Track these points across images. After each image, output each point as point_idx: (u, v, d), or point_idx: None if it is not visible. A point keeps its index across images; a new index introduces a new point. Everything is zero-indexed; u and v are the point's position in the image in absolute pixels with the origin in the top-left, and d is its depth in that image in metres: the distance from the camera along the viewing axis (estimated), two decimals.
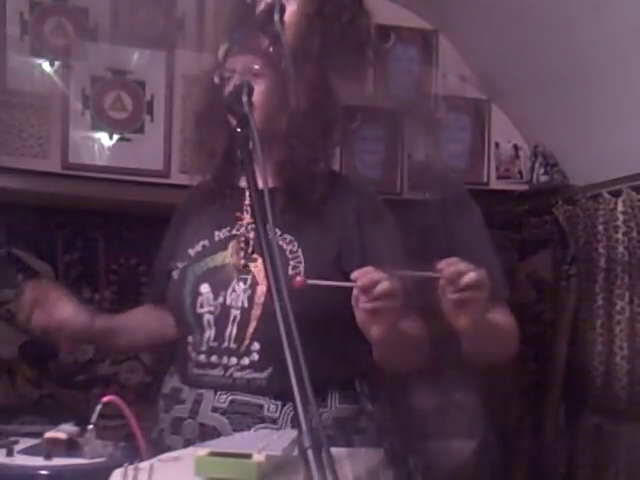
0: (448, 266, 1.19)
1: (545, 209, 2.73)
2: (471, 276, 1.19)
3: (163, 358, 2.72)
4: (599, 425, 2.44)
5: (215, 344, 1.39)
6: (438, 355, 1.40)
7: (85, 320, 1.48)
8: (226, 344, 1.38)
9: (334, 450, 0.83)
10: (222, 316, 1.39)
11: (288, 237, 1.41)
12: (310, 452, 0.80)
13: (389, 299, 1.18)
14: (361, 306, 1.18)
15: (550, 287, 2.77)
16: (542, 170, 2.70)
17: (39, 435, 1.11)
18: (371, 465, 1.15)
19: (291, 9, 1.44)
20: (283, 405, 1.35)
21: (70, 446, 1.08)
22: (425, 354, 1.39)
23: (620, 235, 2.36)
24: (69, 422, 1.13)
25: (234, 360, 1.37)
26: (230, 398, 1.36)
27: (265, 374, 1.35)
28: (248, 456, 0.94)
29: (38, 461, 1.04)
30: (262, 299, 1.37)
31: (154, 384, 2.73)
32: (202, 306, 1.41)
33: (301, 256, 1.39)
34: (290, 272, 1.36)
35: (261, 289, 1.37)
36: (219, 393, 1.37)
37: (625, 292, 2.35)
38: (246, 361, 1.36)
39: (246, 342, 1.37)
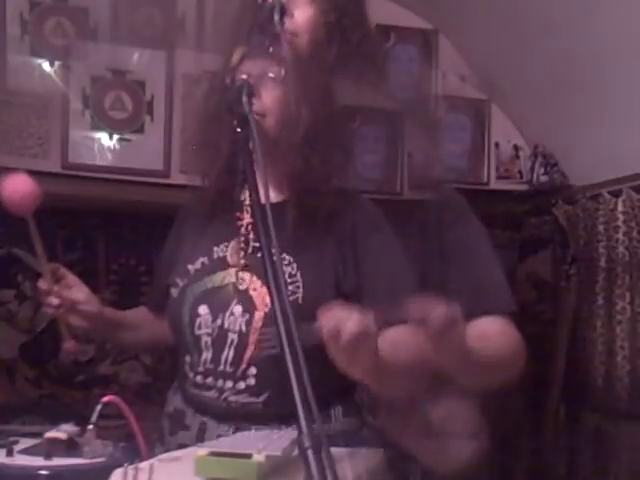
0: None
1: (545, 209, 2.73)
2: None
3: (163, 358, 2.73)
4: (599, 425, 2.44)
5: (212, 366, 1.38)
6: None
7: (97, 306, 1.48)
8: (222, 367, 1.37)
9: (334, 450, 0.83)
10: (219, 339, 1.38)
11: (287, 258, 1.37)
12: (310, 452, 0.80)
13: (360, 340, 1.05)
14: (333, 352, 1.07)
15: (550, 287, 2.77)
16: (542, 170, 2.70)
17: (39, 435, 1.11)
18: (371, 465, 1.15)
19: (307, 15, 1.43)
20: None
21: (70, 446, 1.08)
22: (427, 376, 1.26)
23: (620, 235, 2.37)
24: (69, 422, 1.13)
25: (230, 384, 1.36)
26: (232, 428, 1.36)
27: (261, 399, 1.35)
28: (248, 456, 0.94)
29: (38, 461, 1.04)
30: (260, 324, 1.35)
31: (154, 384, 2.73)
32: (200, 327, 1.40)
33: (300, 280, 1.36)
34: (290, 297, 1.32)
35: (259, 314, 1.36)
36: (221, 423, 1.37)
37: (626, 292, 2.35)
38: (242, 385, 1.36)
39: (243, 366, 1.36)
